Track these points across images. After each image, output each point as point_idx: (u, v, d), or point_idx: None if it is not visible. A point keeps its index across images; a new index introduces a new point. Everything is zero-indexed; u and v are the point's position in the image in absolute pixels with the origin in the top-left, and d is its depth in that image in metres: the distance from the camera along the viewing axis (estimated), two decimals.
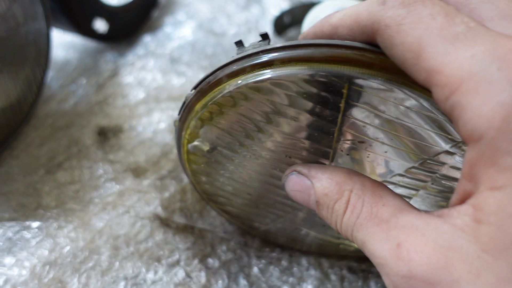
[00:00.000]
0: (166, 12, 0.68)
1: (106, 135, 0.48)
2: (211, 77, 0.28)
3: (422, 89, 0.23)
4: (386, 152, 0.28)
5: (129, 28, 0.64)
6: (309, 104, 0.26)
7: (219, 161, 0.32)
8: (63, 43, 0.61)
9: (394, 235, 0.21)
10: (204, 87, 0.28)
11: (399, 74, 0.23)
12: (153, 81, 0.55)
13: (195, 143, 0.31)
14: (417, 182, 0.30)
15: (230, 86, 0.26)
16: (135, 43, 0.63)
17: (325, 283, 0.41)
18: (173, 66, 0.57)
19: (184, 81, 0.55)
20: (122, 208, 0.42)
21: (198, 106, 0.28)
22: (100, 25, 0.58)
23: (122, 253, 0.40)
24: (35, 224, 0.40)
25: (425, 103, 0.24)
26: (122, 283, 0.38)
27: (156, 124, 0.50)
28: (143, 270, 0.39)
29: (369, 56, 0.24)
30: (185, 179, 0.45)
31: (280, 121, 0.28)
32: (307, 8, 0.57)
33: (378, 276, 0.42)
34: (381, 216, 0.22)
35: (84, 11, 0.56)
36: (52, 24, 0.58)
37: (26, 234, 0.40)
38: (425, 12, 0.20)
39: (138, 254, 0.40)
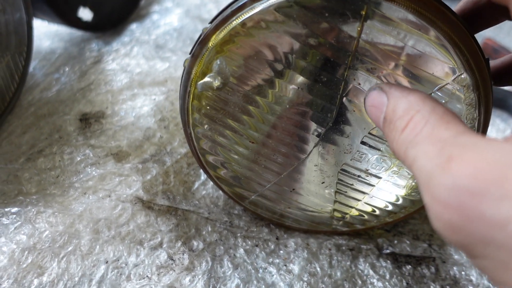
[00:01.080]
0: (154, 1, 0.68)
1: (88, 121, 0.48)
2: (233, 4, 0.28)
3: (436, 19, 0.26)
4: (395, 81, 0.29)
5: (115, 17, 0.63)
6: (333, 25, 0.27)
7: (227, 100, 0.32)
8: (49, 33, 0.61)
9: (447, 151, 0.20)
10: (224, 15, 0.28)
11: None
12: (137, 67, 0.54)
13: (206, 79, 0.31)
14: None
15: (257, 8, 0.27)
16: (121, 32, 0.62)
17: (313, 263, 0.40)
18: (157, 52, 0.56)
19: (168, 66, 0.54)
20: (102, 192, 0.41)
21: (214, 37, 0.29)
22: (84, 13, 0.58)
23: (103, 237, 0.39)
24: (14, 210, 0.40)
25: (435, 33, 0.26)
26: (103, 267, 0.37)
27: (139, 108, 0.49)
28: (125, 253, 0.38)
29: None
30: (168, 162, 0.45)
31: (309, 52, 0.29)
32: None
33: (366, 255, 0.41)
34: (440, 136, 0.21)
35: (68, 0, 0.56)
36: (36, 15, 0.58)
37: (4, 220, 0.39)
38: None
39: (119, 237, 0.39)
